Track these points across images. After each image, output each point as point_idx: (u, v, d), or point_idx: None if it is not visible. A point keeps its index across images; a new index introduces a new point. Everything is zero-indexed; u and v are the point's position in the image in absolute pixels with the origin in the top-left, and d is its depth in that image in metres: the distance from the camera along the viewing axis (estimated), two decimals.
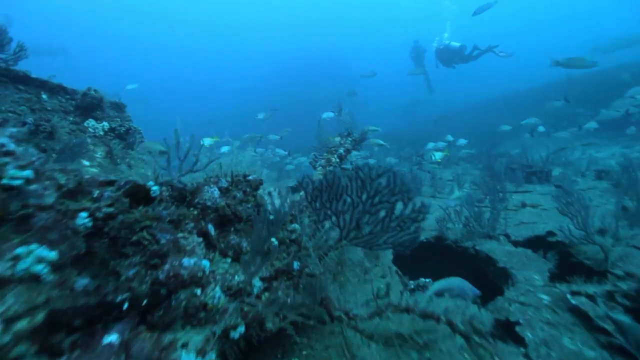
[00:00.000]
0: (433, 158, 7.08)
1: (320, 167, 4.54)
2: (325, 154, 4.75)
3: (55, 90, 4.76)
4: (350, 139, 5.08)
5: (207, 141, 6.97)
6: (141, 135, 5.55)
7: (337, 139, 5.16)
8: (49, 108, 4.52)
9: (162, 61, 59.19)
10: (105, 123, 5.02)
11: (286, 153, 9.64)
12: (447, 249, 4.12)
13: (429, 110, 28.42)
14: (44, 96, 4.58)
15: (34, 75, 4.54)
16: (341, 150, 4.76)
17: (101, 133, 4.95)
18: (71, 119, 4.71)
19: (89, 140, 4.74)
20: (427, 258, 4.16)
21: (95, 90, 4.92)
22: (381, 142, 6.10)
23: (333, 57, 45.05)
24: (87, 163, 4.43)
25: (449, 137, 9.14)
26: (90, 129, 4.86)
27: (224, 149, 10.86)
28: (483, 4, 14.23)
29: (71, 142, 3.89)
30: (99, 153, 4.72)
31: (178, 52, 60.02)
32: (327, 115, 8.10)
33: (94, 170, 4.44)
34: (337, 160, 4.64)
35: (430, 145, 8.35)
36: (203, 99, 54.93)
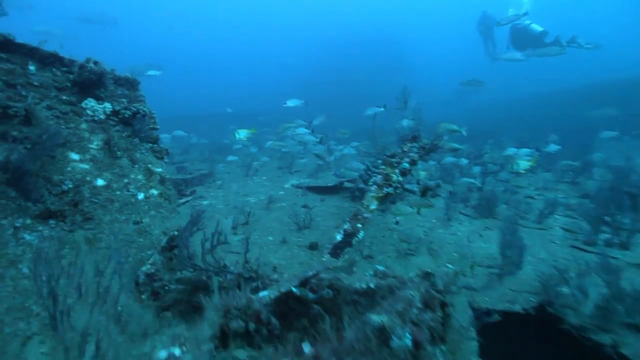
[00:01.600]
0: (516, 168, 5.44)
1: (376, 187, 3.24)
2: (382, 166, 3.42)
3: (48, 60, 3.81)
4: (416, 145, 3.67)
5: (242, 133, 5.92)
6: (153, 121, 4.54)
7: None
8: (35, 83, 3.59)
9: (207, 37, 59.12)
10: (107, 104, 4.05)
11: (317, 140, 8.30)
12: (561, 335, 2.68)
13: (488, 97, 25.34)
14: (31, 68, 3.65)
15: (19, 41, 3.60)
16: (405, 164, 3.39)
17: (102, 117, 3.99)
18: (65, 97, 3.77)
19: (84, 126, 3.80)
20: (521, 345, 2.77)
21: (95, 62, 3.91)
22: (457, 145, 4.61)
23: (381, 32, 41.93)
24: (76, 157, 3.48)
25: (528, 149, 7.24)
26: (88, 111, 3.90)
27: (268, 144, 9.72)
28: (511, 15, 12.65)
29: (44, 131, 2.91)
30: (95, 143, 3.77)
31: (223, 27, 59.59)
32: (373, 110, 6.71)
33: (84, 166, 3.49)
34: (399, 178, 3.29)
35: (511, 150, 6.62)
36: (248, 74, 54.61)
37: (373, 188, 3.20)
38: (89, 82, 3.90)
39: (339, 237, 2.74)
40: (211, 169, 10.20)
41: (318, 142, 8.47)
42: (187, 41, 58.16)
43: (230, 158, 10.72)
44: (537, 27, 12.95)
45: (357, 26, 43.65)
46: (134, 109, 4.19)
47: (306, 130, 10.72)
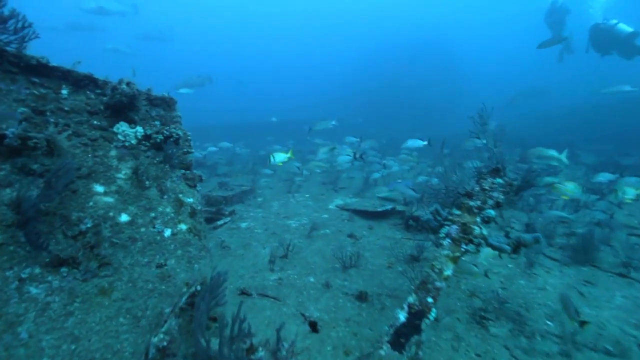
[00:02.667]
0: (622, 196, 4.26)
1: (450, 242, 2.44)
2: (456, 212, 2.61)
3: (82, 83, 3.58)
4: (502, 181, 2.80)
5: (278, 157, 5.44)
6: (188, 144, 4.17)
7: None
8: (66, 108, 3.34)
9: (255, 50, 61.26)
10: (139, 128, 3.72)
11: (349, 157, 7.58)
12: None
13: (553, 102, 22.61)
14: (63, 92, 3.42)
15: (53, 64, 3.40)
16: (490, 211, 2.53)
17: (133, 142, 3.67)
18: (96, 122, 3.49)
19: (113, 153, 3.49)
20: None
21: (128, 84, 3.61)
22: (554, 180, 3.61)
23: (429, 35, 40.07)
24: (100, 189, 3.15)
25: None
26: (119, 136, 3.60)
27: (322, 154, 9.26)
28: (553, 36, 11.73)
29: (59, 168, 2.56)
30: (124, 172, 3.43)
31: (271, 40, 61.41)
32: (415, 143, 6.03)
33: (108, 199, 3.14)
34: (483, 231, 2.45)
35: (604, 176, 5.32)
36: (296, 85, 55.54)
37: (446, 243, 2.40)
38: (121, 104, 3.60)
39: (401, 317, 2.00)
40: (253, 184, 9.91)
41: (357, 157, 7.77)
42: (238, 54, 60.82)
43: (266, 171, 10.40)
44: (625, 28, 11.01)
45: (403, 30, 42.23)
46: (166, 133, 3.83)
47: (354, 139, 10.04)
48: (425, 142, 7.27)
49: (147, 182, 3.49)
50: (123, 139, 3.63)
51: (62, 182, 2.56)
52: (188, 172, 3.97)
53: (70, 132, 3.21)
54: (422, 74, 42.94)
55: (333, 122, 7.51)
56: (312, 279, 4.06)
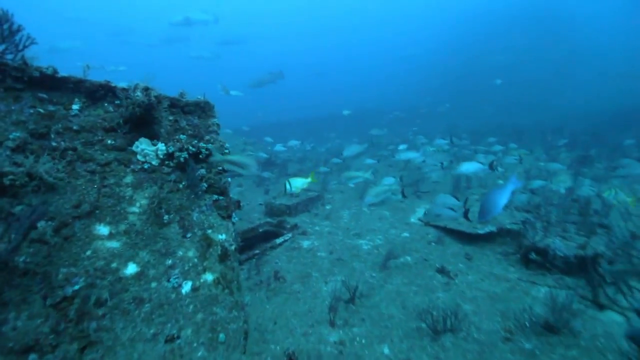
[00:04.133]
0: None
1: None
2: None
3: (98, 93, 2.95)
4: None
5: (296, 183, 4.26)
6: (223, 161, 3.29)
7: None
8: (75, 127, 2.72)
9: (329, 42, 60.27)
10: (160, 145, 2.95)
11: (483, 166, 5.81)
12: None
13: None
14: (74, 107, 2.82)
15: (62, 74, 2.81)
16: None
17: (154, 162, 2.92)
18: (110, 142, 2.82)
19: (129, 179, 2.78)
20: None
21: (145, 89, 2.83)
22: None
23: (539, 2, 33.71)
24: (104, 230, 2.43)
25: None
26: (139, 157, 2.88)
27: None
28: None
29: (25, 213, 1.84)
30: (139, 203, 2.69)
31: (341, 32, 59.72)
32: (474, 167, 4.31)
33: (113, 245, 2.41)
34: None
35: None
36: (373, 73, 53.32)
37: None
38: (137, 118, 2.86)
39: None
40: (322, 188, 8.96)
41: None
42: (314, 47, 60.84)
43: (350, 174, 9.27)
44: None
45: None
46: (192, 149, 2.98)
47: (444, 142, 8.35)
48: (485, 166, 5.39)
49: (166, 217, 2.70)
50: (143, 159, 2.90)
51: (20, 230, 1.83)
52: (222, 198, 3.08)
53: (72, 158, 2.57)
54: (520, 47, 36.65)
55: (366, 146, 6.41)
56: (386, 351, 2.82)
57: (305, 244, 5.41)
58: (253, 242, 6.20)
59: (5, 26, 2.49)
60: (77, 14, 33.23)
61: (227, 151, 3.37)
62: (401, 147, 12.98)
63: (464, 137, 16.05)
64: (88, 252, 2.31)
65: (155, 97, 2.86)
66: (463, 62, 41.41)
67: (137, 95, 2.78)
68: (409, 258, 4.58)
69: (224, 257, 2.77)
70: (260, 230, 6.37)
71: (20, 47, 2.58)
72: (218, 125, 3.56)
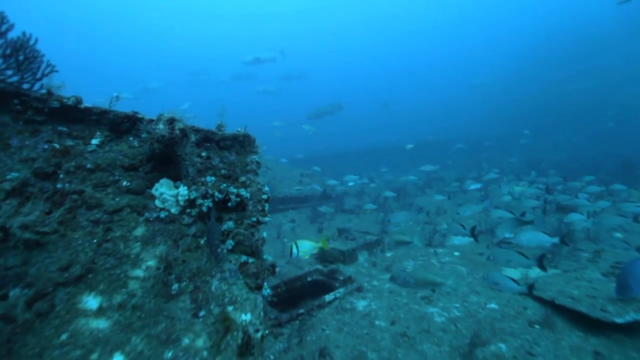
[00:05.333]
0: None
1: None
2: None
3: (122, 126, 2.53)
4: None
5: (303, 247, 3.35)
6: (262, 208, 2.60)
7: None
8: (89, 166, 2.28)
9: (396, 71, 60.30)
10: (182, 188, 2.37)
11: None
12: None
13: None
14: (93, 141, 2.41)
15: (85, 105, 2.44)
16: None
17: (174, 210, 2.33)
18: (126, 183, 2.33)
19: (139, 231, 2.21)
20: None
21: (169, 121, 2.31)
22: None
23: (621, 14, 29.89)
24: (92, 304, 1.83)
25: None
26: (157, 202, 2.33)
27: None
28: None
29: None
30: (147, 264, 2.08)
31: (410, 56, 59.52)
32: None
33: (100, 325, 1.78)
34: None
35: None
36: (444, 102, 51.57)
37: None
38: (156, 154, 2.34)
39: None
40: (382, 229, 7.92)
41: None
42: (379, 75, 61.16)
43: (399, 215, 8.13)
44: None
45: (568, 14, 32.94)
46: (220, 195, 2.34)
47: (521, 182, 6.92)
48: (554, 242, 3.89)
49: (175, 285, 2.03)
50: (161, 205, 2.34)
51: None
52: (252, 261, 2.35)
53: (74, 204, 2.09)
54: (608, 68, 32.22)
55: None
56: None
57: (361, 305, 4.41)
58: (299, 292, 5.39)
59: (21, 55, 2.18)
60: (165, 59, 38.24)
61: (265, 197, 2.68)
62: (472, 186, 11.40)
63: (550, 173, 13.71)
64: (64, 337, 1.70)
65: (181, 130, 2.32)
66: (541, 89, 37.68)
67: (159, 129, 2.27)
68: (503, 347, 3.30)
69: (244, 349, 1.98)
70: (309, 279, 5.54)
71: (39, 75, 2.27)
72: (258, 163, 2.93)
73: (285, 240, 8.01)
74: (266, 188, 2.74)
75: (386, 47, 60.65)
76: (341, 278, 5.26)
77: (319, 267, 5.79)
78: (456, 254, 6.15)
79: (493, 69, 42.30)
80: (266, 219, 2.57)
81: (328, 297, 4.55)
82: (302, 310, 4.23)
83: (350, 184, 11.04)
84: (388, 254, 6.44)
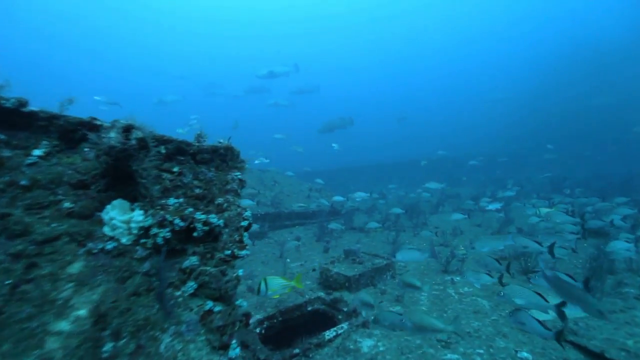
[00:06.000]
0: None
1: None
2: None
3: (76, 134, 2.10)
4: None
5: (273, 284, 2.72)
6: (239, 238, 2.09)
7: None
8: (24, 183, 1.83)
9: (411, 85, 60.14)
10: (137, 213, 1.89)
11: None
12: None
13: None
14: (35, 152, 1.97)
15: (30, 109, 2.02)
16: None
17: (125, 240, 1.85)
18: (67, 205, 1.86)
19: (75, 268, 1.73)
20: None
21: (126, 128, 1.86)
22: None
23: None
24: None
25: None
26: (106, 229, 1.86)
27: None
28: None
29: None
30: (81, 311, 1.60)
31: (427, 75, 59.30)
32: None
33: None
34: None
35: None
36: (460, 116, 50.91)
37: None
38: (111, 170, 1.87)
39: None
40: (392, 251, 7.29)
41: None
42: (390, 93, 61.08)
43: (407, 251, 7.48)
44: None
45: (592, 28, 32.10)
46: (182, 223, 1.85)
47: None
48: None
49: (109, 346, 1.53)
50: (110, 234, 1.86)
51: None
52: (219, 309, 1.81)
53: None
54: (628, 86, 31.07)
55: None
56: None
57: (366, 345, 3.79)
58: (298, 323, 4.80)
59: None
60: (180, 72, 39.09)
61: (245, 223, 2.17)
62: (491, 205, 10.64)
63: (577, 193, 12.79)
64: None
65: (138, 139, 1.86)
66: (560, 105, 36.54)
67: (110, 138, 1.81)
68: None
69: None
70: (309, 308, 4.95)
71: None
72: (242, 181, 2.44)
73: (288, 260, 7.46)
74: (247, 213, 2.24)
75: (401, 62, 60.72)
76: (345, 309, 4.65)
77: (322, 294, 5.20)
78: (477, 285, 5.45)
79: (511, 83, 41.46)
80: (244, 252, 2.05)
81: (328, 334, 3.94)
82: (297, 350, 3.65)
83: (357, 199, 10.44)
84: (397, 280, 5.79)
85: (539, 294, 2.99)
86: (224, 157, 2.47)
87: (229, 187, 2.33)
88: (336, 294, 5.22)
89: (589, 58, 33.23)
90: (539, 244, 4.98)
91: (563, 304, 2.91)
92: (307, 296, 5.15)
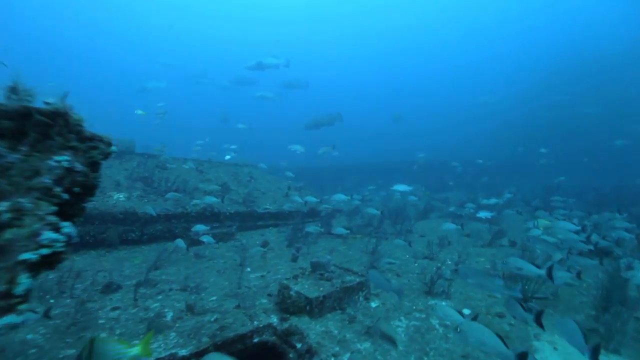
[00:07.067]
0: None
1: None
2: None
3: None
4: None
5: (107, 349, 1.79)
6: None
7: None
8: None
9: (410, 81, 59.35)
10: None
11: None
12: None
13: None
14: None
15: None
16: None
17: None
18: None
19: None
20: None
21: None
22: None
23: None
24: None
25: None
26: None
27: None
28: None
29: None
30: None
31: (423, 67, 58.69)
32: None
33: None
34: None
35: None
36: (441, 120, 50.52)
37: None
38: None
39: None
40: (370, 265, 6.31)
41: None
42: (393, 88, 60.09)
43: (398, 242, 6.51)
44: None
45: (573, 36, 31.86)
46: None
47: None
48: None
49: None
50: None
51: None
52: None
53: None
54: (618, 97, 30.94)
55: None
56: None
57: None
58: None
59: None
60: (168, 60, 37.44)
61: (38, 254, 1.10)
62: (482, 213, 9.78)
63: (571, 204, 12.07)
64: None
65: None
66: (549, 112, 36.26)
67: None
68: None
69: None
70: (256, 339, 3.88)
71: None
72: (74, 172, 1.37)
73: (249, 269, 6.39)
74: (58, 234, 1.17)
75: (392, 57, 60.05)
76: (299, 346, 3.60)
77: (274, 321, 4.15)
78: (466, 311, 4.48)
79: (497, 87, 41.11)
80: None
81: None
82: None
83: (334, 202, 9.43)
84: (373, 304, 4.79)
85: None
86: (46, 129, 1.38)
87: (36, 182, 1.26)
88: (293, 320, 4.19)
89: (580, 66, 32.99)
90: (537, 266, 4.06)
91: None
92: (256, 322, 4.11)
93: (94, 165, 1.47)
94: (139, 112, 10.08)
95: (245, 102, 30.63)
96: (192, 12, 56.18)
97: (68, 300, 4.91)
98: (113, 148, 1.56)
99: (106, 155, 1.51)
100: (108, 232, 7.53)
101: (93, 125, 1.55)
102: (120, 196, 8.39)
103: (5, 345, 3.81)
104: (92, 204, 7.70)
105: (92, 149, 1.45)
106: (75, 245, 7.33)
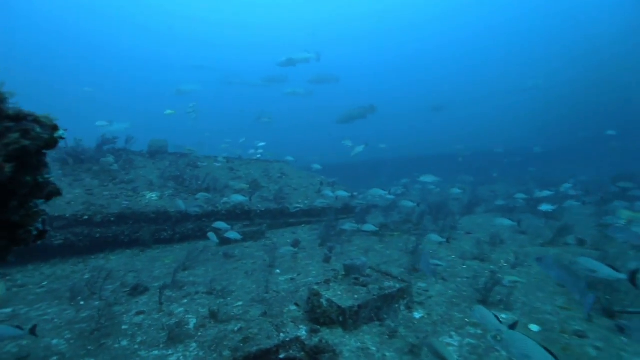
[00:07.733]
0: None
1: None
2: None
3: None
4: None
5: None
6: None
7: None
8: None
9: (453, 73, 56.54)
10: None
11: None
12: None
13: None
14: None
15: None
16: None
17: None
18: None
19: None
20: None
21: None
22: None
23: None
24: None
25: None
26: None
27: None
28: None
29: None
30: None
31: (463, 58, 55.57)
32: None
33: None
34: None
35: None
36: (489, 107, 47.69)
37: None
38: None
39: None
40: (411, 268, 5.64)
41: None
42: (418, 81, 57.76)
43: (434, 237, 5.74)
44: None
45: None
46: None
47: None
48: None
49: None
50: None
51: None
52: None
53: None
54: None
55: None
56: None
57: None
58: None
59: None
60: (200, 62, 38.63)
61: None
62: (544, 207, 8.62)
63: None
64: None
65: None
66: (605, 94, 32.35)
67: None
68: None
69: None
70: (282, 356, 3.43)
71: None
72: None
73: (278, 271, 5.99)
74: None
75: (430, 52, 57.33)
76: None
77: (303, 334, 3.67)
78: (534, 328, 3.69)
79: (548, 70, 37.51)
80: None
81: None
82: None
83: (371, 197, 8.77)
84: (416, 314, 4.14)
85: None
86: None
87: None
88: (325, 332, 3.68)
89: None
90: (614, 268, 3.22)
91: None
92: (282, 335, 3.65)
93: (25, 156, 1.04)
94: (169, 112, 10.17)
95: (276, 99, 30.69)
96: (221, 22, 57.93)
97: (97, 303, 4.80)
98: (61, 132, 1.15)
99: (47, 143, 1.10)
100: (141, 232, 7.53)
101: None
102: (153, 195, 8.39)
103: (30, 351, 3.71)
104: (126, 204, 7.74)
105: (15, 133, 1.03)
106: (112, 245, 7.42)
